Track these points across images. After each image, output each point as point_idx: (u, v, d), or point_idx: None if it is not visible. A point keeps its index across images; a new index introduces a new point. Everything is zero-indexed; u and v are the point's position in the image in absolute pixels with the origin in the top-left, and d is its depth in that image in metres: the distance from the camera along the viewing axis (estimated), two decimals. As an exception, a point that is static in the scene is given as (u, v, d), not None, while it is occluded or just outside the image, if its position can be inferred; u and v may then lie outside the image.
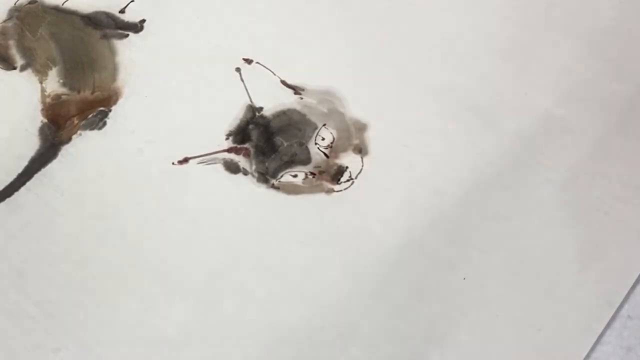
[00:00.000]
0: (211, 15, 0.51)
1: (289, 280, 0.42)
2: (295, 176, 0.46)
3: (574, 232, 0.44)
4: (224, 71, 0.49)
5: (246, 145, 0.46)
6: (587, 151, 0.47)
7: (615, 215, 0.45)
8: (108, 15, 0.51)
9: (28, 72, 0.49)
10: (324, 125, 0.47)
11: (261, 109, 0.46)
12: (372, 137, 0.47)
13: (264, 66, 0.49)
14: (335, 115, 0.48)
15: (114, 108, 0.47)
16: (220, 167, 0.46)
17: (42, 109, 0.47)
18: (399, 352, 0.40)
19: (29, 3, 0.51)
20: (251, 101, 0.48)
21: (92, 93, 0.48)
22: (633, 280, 0.43)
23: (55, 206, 0.44)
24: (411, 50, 0.50)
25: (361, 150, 0.46)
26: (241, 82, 0.48)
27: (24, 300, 0.41)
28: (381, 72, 0.49)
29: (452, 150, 0.47)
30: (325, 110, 0.48)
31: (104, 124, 0.47)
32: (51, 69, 0.49)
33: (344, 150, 0.47)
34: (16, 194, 0.44)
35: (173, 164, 0.46)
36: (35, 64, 0.49)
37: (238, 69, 0.49)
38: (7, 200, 0.44)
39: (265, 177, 0.45)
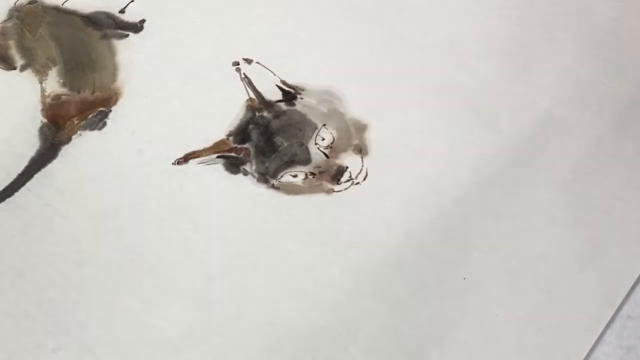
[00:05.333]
0: (211, 15, 0.51)
1: (289, 280, 0.42)
2: (295, 176, 0.46)
3: (574, 232, 0.44)
4: (224, 71, 0.49)
5: (246, 145, 0.46)
6: (587, 151, 0.47)
7: (615, 215, 0.45)
8: (108, 15, 0.51)
9: (28, 72, 0.49)
10: (324, 125, 0.47)
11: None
12: (372, 137, 0.47)
13: (264, 66, 0.49)
14: (335, 115, 0.48)
15: (114, 108, 0.47)
16: (220, 167, 0.46)
17: (42, 109, 0.47)
18: (399, 352, 0.40)
19: (29, 3, 0.51)
20: (251, 101, 0.48)
21: (92, 93, 0.48)
22: (633, 280, 0.43)
23: (55, 206, 0.44)
24: (411, 50, 0.50)
25: (361, 150, 0.46)
26: (241, 82, 0.48)
27: (24, 300, 0.41)
28: (381, 72, 0.49)
29: (452, 150, 0.47)
30: (325, 110, 0.48)
31: (104, 124, 0.47)
32: (51, 69, 0.49)
33: (344, 150, 0.47)
34: (16, 194, 0.44)
35: (173, 164, 0.46)
36: (35, 64, 0.49)
37: (238, 69, 0.49)
38: (7, 200, 0.44)
39: (265, 177, 0.45)
